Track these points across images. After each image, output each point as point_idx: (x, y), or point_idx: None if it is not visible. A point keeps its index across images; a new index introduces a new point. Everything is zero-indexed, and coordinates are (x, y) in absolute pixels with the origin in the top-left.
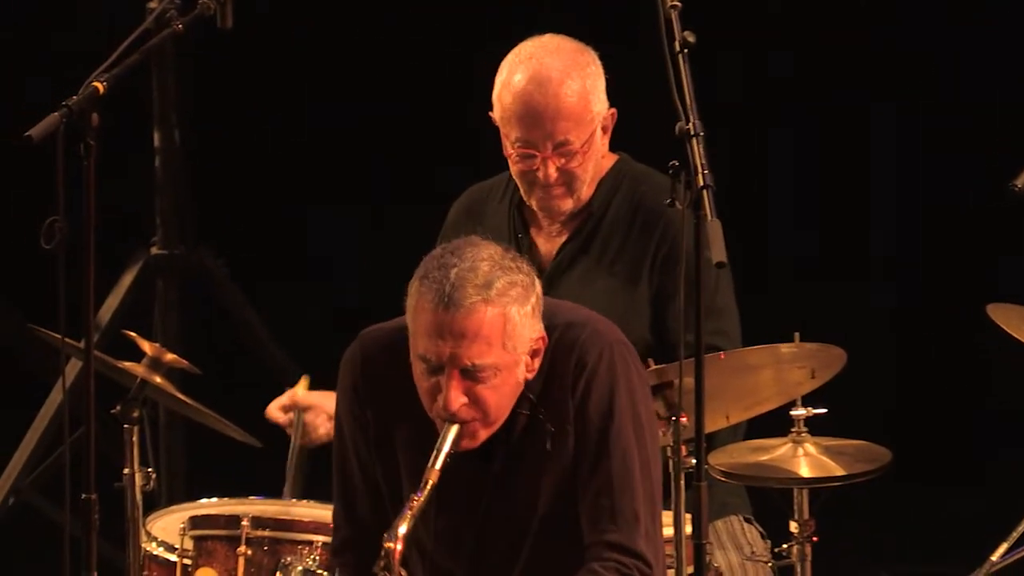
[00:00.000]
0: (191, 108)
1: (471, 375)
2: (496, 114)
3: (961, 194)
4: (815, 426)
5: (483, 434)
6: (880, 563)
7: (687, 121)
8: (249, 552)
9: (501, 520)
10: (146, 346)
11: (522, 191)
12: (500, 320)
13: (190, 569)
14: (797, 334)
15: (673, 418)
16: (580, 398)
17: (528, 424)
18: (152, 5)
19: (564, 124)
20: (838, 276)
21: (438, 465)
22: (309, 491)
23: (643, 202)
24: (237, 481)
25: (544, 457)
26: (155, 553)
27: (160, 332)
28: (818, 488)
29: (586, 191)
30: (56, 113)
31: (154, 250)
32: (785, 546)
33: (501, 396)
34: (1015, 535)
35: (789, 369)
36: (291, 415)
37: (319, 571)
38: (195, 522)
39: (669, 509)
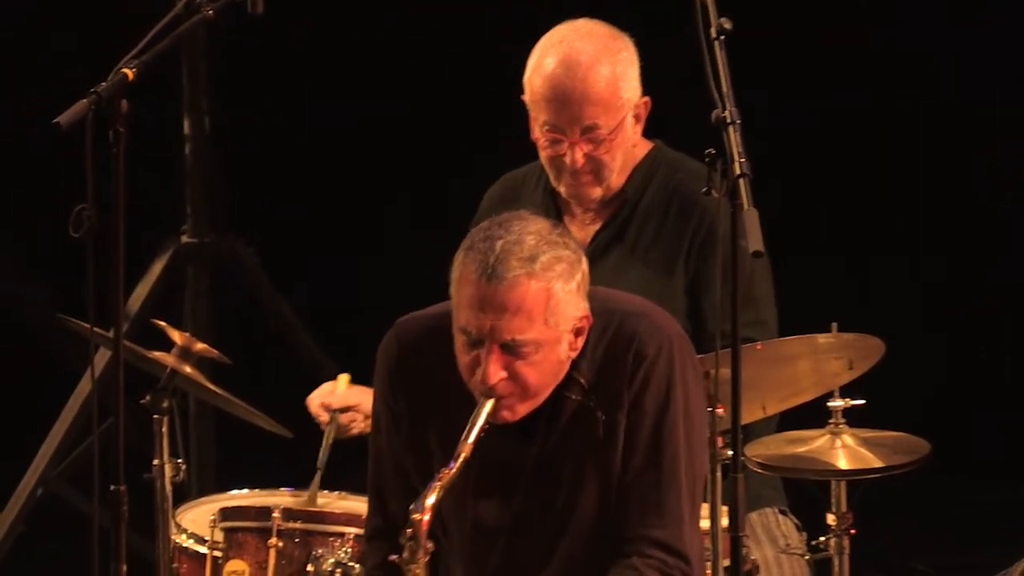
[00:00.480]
0: (223, 94)
1: (511, 350)
2: (526, 97)
3: (1004, 183)
4: (853, 417)
5: (521, 409)
6: (918, 556)
7: (723, 109)
8: (280, 544)
9: (540, 507)
10: (176, 335)
11: (551, 177)
12: (543, 295)
13: (220, 561)
14: (835, 324)
15: (709, 409)
16: (637, 390)
17: (578, 410)
18: None
19: (592, 109)
20: (879, 265)
21: (471, 439)
22: (340, 483)
23: (678, 190)
24: (268, 472)
25: (592, 445)
26: (185, 545)
27: (190, 321)
28: (856, 480)
29: (616, 179)
30: (84, 100)
31: (184, 238)
32: (822, 539)
33: (542, 373)
34: None
35: (827, 360)
36: (324, 418)
37: (351, 563)
38: (225, 514)
39: (705, 501)
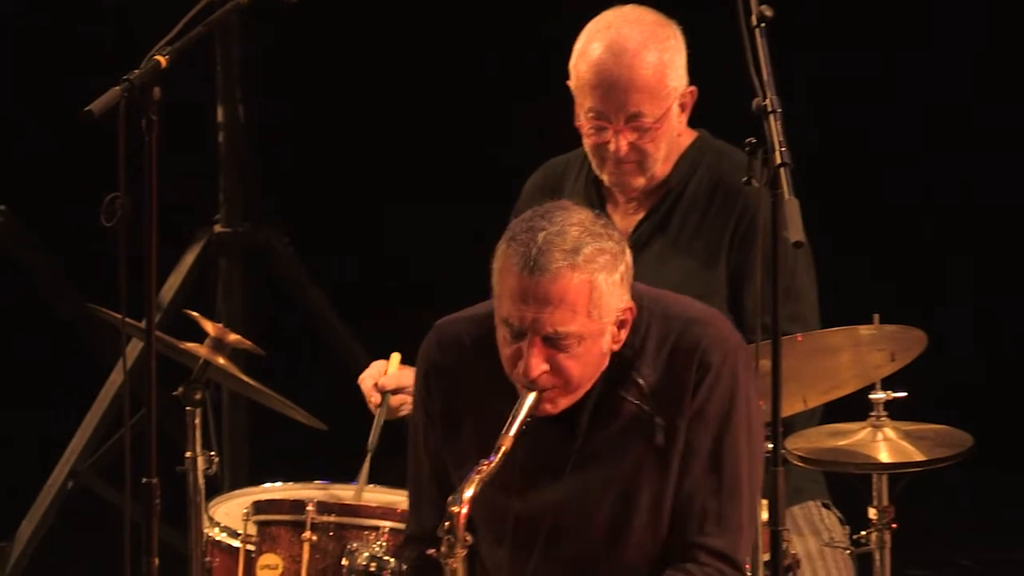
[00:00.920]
0: (258, 82)
1: (553, 343)
2: (571, 83)
3: None
4: (895, 410)
5: (563, 402)
6: (961, 550)
7: (764, 97)
8: (314, 538)
9: (585, 506)
10: (209, 326)
11: (594, 166)
12: (586, 287)
13: (253, 555)
14: (877, 316)
15: None
16: (702, 399)
17: (636, 414)
18: None
19: (637, 96)
20: (918, 256)
21: (512, 432)
22: (374, 476)
23: (723, 180)
24: (302, 465)
25: (649, 450)
26: (218, 539)
27: (223, 312)
28: (898, 474)
29: (660, 169)
30: (117, 87)
31: (217, 228)
32: (864, 533)
33: (584, 365)
34: None
35: (868, 352)
36: (376, 399)
37: (386, 557)
38: (259, 507)
39: None
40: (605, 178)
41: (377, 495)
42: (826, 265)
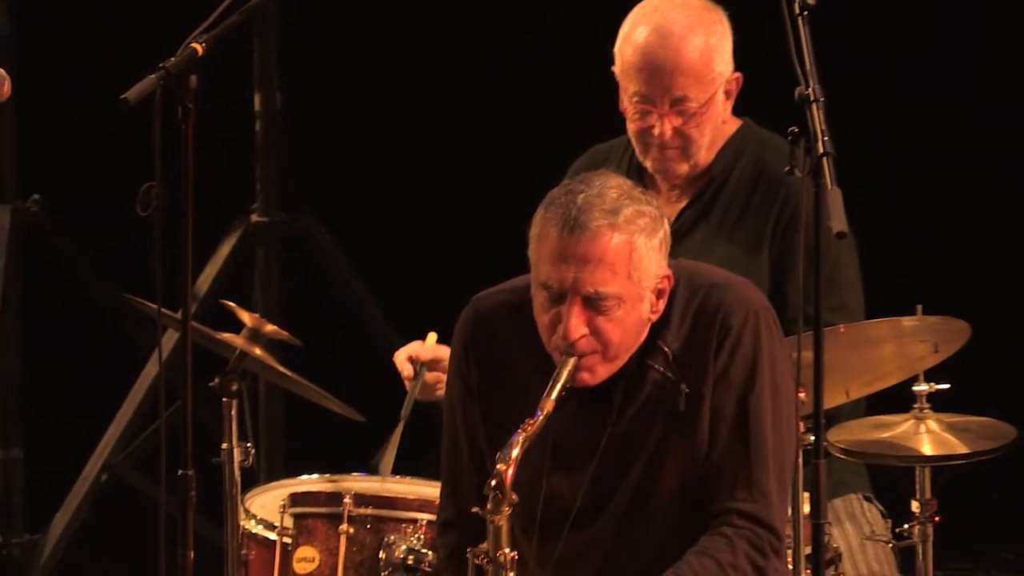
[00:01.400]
0: (295, 70)
1: (593, 304)
2: (616, 67)
3: None
4: (938, 402)
5: (602, 370)
6: (1005, 544)
7: (807, 86)
8: (351, 530)
9: (616, 480)
10: (245, 317)
11: (637, 152)
12: (626, 248)
13: (290, 548)
14: (920, 307)
15: None
16: (724, 362)
17: (661, 382)
18: None
19: (683, 80)
20: (963, 248)
21: (553, 396)
22: (412, 468)
23: (766, 169)
24: (339, 457)
25: (675, 418)
26: (254, 531)
27: (260, 302)
28: (941, 466)
29: (704, 156)
30: (153, 75)
31: (254, 217)
32: (906, 526)
33: (623, 331)
34: None
35: (911, 343)
36: (409, 372)
37: (423, 550)
38: (295, 499)
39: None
40: (649, 164)
41: (415, 487)
42: (869, 255)
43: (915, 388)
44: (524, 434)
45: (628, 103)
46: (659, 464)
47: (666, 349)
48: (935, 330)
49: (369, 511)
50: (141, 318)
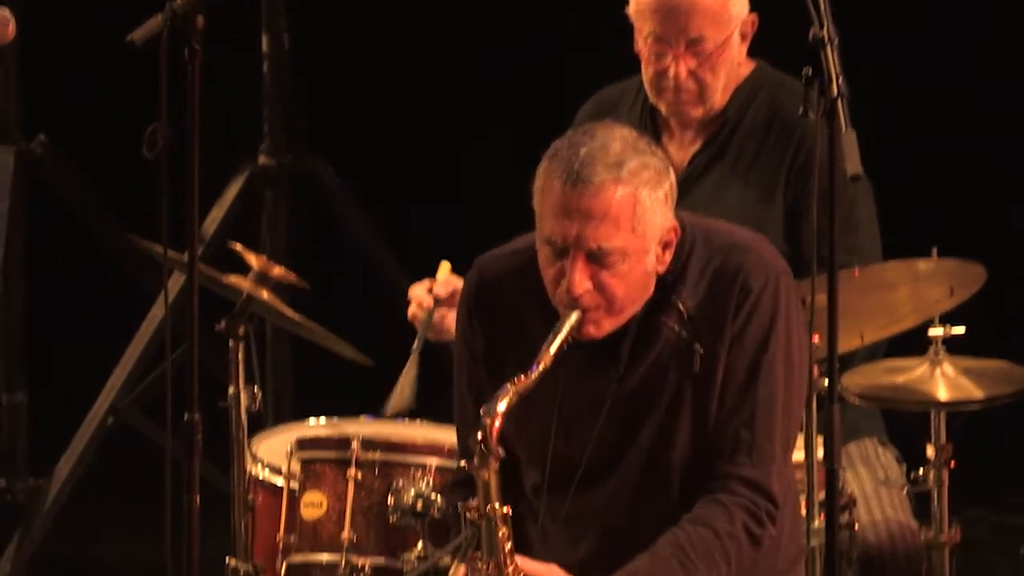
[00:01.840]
0: (303, 11)
1: (597, 259)
2: (631, 8)
3: None
4: (953, 346)
5: (607, 324)
6: (1020, 490)
7: (821, 27)
8: (359, 475)
9: (625, 439)
10: (252, 259)
11: (651, 95)
12: (630, 201)
13: (297, 493)
14: (935, 249)
15: None
16: (740, 324)
17: (675, 341)
18: None
19: (699, 19)
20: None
21: (553, 350)
22: (421, 412)
23: (780, 111)
24: (347, 400)
25: (688, 379)
26: (261, 476)
27: (267, 244)
28: (956, 411)
29: (719, 99)
30: (159, 15)
31: (261, 159)
32: (921, 471)
33: (628, 285)
34: None
35: (927, 286)
36: (428, 303)
37: (432, 495)
38: (303, 444)
39: (800, 432)
40: (663, 107)
41: (424, 431)
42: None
43: (931, 332)
44: (514, 388)
45: (643, 44)
46: (672, 425)
47: (681, 307)
48: (951, 273)
49: (377, 456)
50: (147, 260)
